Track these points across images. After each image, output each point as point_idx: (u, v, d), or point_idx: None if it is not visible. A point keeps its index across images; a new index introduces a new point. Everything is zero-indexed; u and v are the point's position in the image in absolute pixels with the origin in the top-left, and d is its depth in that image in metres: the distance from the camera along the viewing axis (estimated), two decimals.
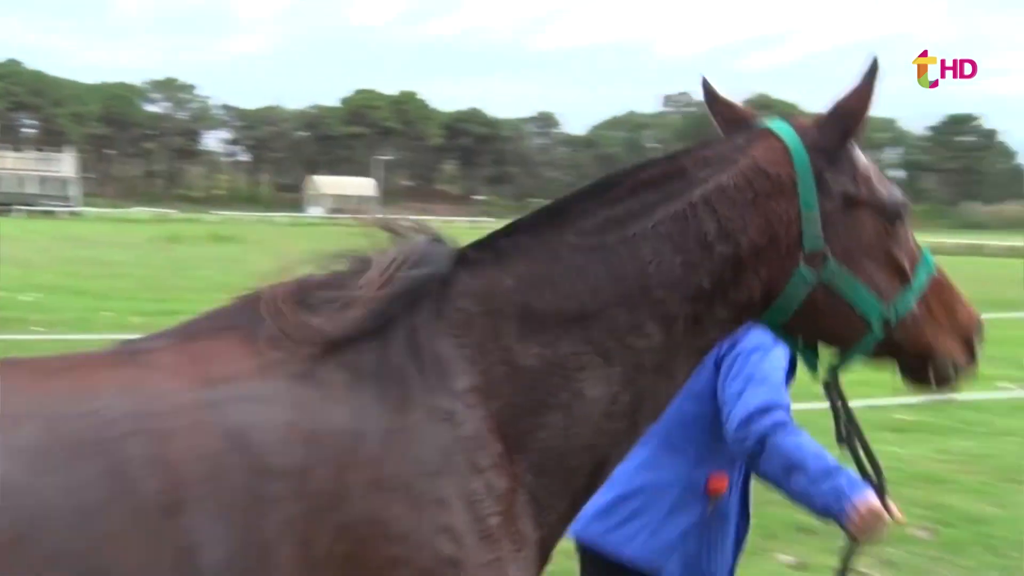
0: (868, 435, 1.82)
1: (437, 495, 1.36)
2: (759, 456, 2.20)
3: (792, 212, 1.57)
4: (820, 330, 1.68)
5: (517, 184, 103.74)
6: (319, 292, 1.47)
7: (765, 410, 2.18)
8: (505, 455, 1.44)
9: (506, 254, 1.55)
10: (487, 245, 1.59)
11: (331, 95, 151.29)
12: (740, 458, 2.33)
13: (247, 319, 1.44)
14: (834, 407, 1.77)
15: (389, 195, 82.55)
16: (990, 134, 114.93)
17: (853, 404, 1.80)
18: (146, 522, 1.22)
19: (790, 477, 2.17)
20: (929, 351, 1.68)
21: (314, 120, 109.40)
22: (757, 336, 2.21)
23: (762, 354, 2.26)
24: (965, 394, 2.71)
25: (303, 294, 1.46)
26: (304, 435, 1.31)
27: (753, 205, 1.56)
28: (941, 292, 1.71)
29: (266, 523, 1.27)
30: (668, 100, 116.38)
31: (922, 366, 1.71)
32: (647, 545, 2.33)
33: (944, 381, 1.73)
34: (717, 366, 2.34)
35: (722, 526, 2.41)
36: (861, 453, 1.79)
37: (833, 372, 1.74)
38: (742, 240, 1.55)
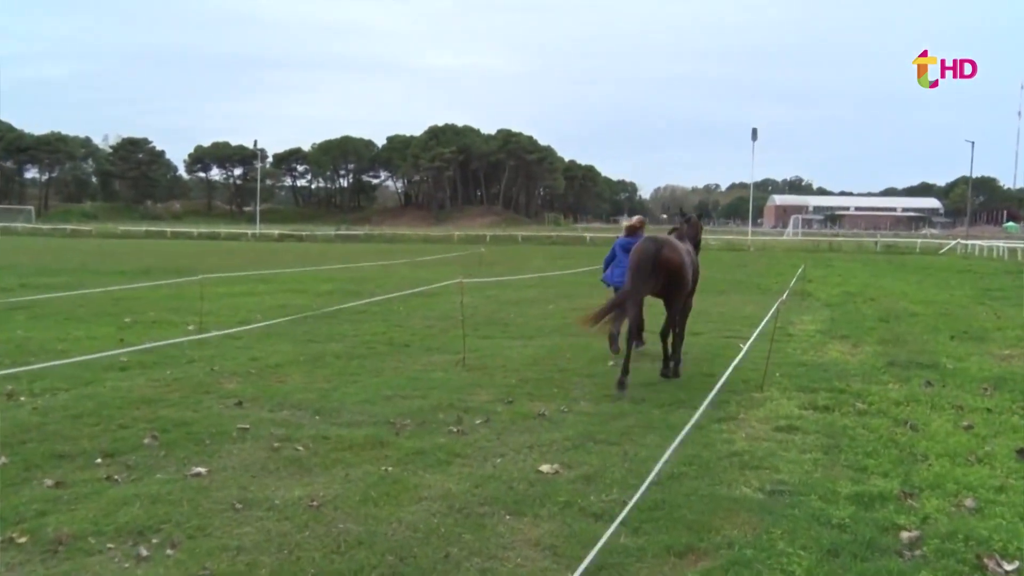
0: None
1: (695, 260, 10.54)
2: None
3: (698, 231, 11.43)
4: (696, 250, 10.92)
5: None
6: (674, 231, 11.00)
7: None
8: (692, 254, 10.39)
9: (684, 223, 11.34)
10: (681, 222, 11.48)
11: None
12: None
13: (669, 235, 10.39)
14: None
15: None
16: (160, 153, 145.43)
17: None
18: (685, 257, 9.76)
19: (608, 270, 11.86)
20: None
21: None
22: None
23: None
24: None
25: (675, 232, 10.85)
26: (687, 250, 9.91)
27: (697, 228, 11.44)
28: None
29: (691, 262, 10.04)
30: None
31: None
32: (613, 278, 11.45)
33: None
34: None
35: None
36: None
37: None
38: (694, 234, 11.22)
